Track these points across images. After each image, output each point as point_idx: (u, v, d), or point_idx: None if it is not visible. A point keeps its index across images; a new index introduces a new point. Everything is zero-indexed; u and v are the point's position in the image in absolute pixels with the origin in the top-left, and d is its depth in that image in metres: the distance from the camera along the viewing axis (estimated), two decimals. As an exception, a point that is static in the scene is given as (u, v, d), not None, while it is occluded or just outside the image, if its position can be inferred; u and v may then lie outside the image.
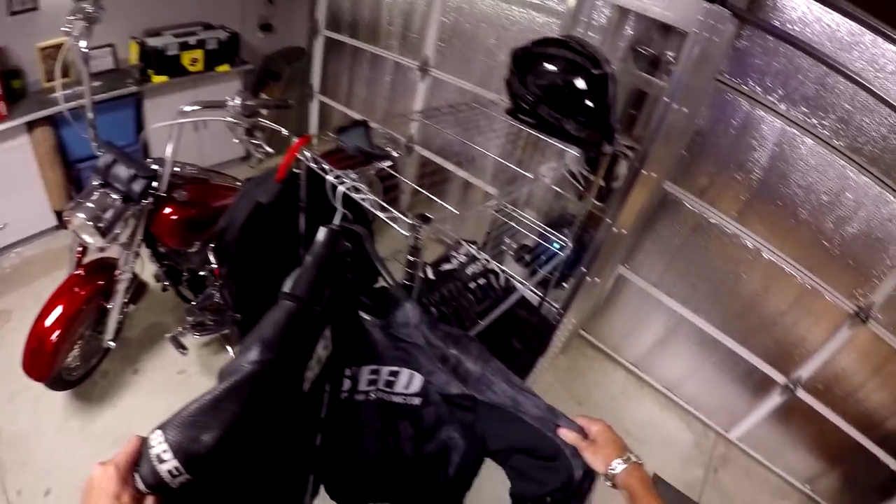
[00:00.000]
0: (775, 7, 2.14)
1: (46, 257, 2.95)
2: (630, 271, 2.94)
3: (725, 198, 2.54)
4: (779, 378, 2.72)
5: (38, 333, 1.89)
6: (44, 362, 1.91)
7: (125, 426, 2.22)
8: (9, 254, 2.94)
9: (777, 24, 2.15)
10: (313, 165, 1.14)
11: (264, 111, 1.69)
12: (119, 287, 2.05)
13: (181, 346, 2.25)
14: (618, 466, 0.90)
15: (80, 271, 2.02)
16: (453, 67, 3.27)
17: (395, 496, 1.47)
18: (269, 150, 1.74)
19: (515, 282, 1.64)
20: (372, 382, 1.16)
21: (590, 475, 0.97)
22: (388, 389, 1.17)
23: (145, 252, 2.12)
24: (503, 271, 1.55)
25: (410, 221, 1.04)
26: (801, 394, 2.68)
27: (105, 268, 2.06)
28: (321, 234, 0.96)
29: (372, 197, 1.04)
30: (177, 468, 0.69)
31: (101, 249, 1.90)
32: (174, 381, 2.48)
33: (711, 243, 2.65)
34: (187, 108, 1.69)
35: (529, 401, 1.05)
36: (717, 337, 2.81)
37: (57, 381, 2.11)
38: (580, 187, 1.85)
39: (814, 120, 2.23)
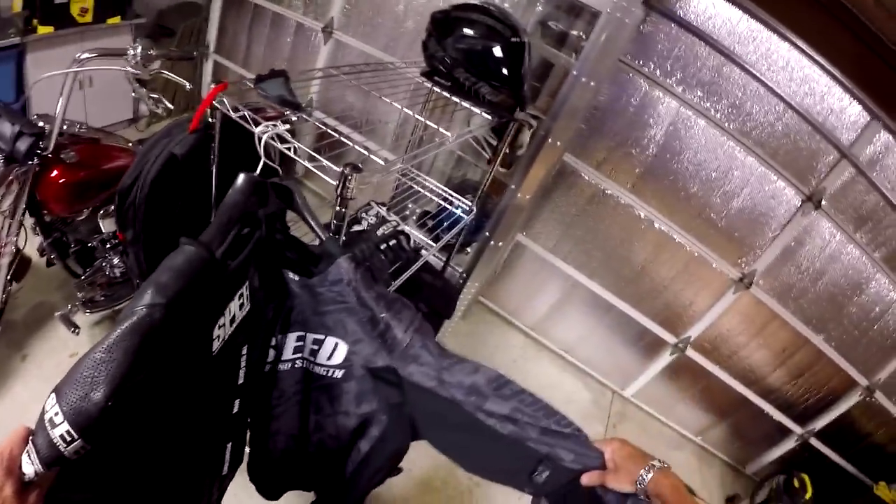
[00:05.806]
0: (683, -2, 2.28)
1: None
2: (528, 238, 3.04)
3: (621, 171, 2.70)
4: (669, 338, 2.99)
5: None
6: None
7: (17, 418, 1.97)
8: None
9: (681, 13, 2.30)
10: (232, 114, 1.06)
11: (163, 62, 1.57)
12: (1, 262, 1.84)
13: (72, 325, 2.05)
14: (645, 477, 0.85)
15: (-45, 248, 1.78)
16: (358, 32, 3.18)
17: (314, 481, 1.39)
18: (169, 105, 1.62)
19: (423, 245, 1.65)
20: (298, 350, 1.09)
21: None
22: (311, 359, 1.10)
23: (28, 223, 1.90)
24: (413, 234, 1.56)
25: (340, 170, 1.01)
26: (690, 353, 2.96)
27: (-17, 242, 1.83)
28: (239, 180, 0.88)
29: (299, 145, 1.00)
30: (69, 432, 0.63)
31: (-20, 221, 1.69)
32: (67, 365, 2.15)
33: (607, 213, 2.82)
34: (84, 56, 1.54)
35: (467, 378, 1.00)
36: (611, 301, 3.00)
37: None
38: (486, 154, 1.89)
39: (708, 104, 2.44)
